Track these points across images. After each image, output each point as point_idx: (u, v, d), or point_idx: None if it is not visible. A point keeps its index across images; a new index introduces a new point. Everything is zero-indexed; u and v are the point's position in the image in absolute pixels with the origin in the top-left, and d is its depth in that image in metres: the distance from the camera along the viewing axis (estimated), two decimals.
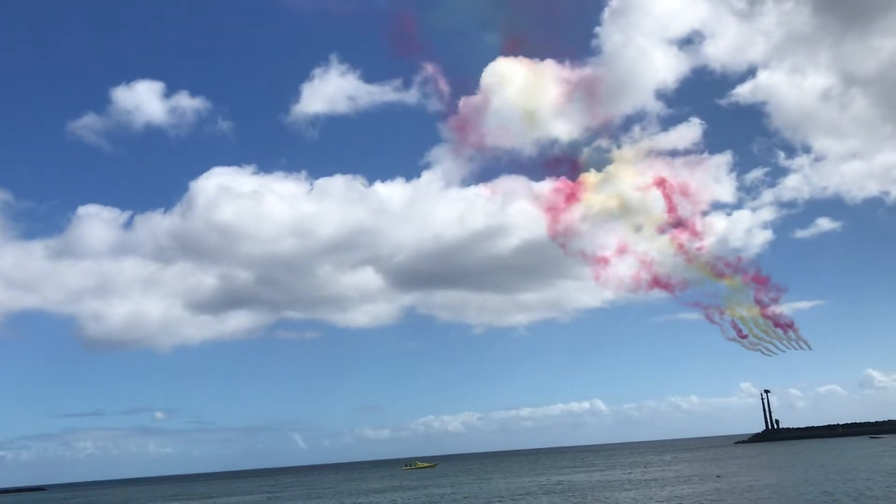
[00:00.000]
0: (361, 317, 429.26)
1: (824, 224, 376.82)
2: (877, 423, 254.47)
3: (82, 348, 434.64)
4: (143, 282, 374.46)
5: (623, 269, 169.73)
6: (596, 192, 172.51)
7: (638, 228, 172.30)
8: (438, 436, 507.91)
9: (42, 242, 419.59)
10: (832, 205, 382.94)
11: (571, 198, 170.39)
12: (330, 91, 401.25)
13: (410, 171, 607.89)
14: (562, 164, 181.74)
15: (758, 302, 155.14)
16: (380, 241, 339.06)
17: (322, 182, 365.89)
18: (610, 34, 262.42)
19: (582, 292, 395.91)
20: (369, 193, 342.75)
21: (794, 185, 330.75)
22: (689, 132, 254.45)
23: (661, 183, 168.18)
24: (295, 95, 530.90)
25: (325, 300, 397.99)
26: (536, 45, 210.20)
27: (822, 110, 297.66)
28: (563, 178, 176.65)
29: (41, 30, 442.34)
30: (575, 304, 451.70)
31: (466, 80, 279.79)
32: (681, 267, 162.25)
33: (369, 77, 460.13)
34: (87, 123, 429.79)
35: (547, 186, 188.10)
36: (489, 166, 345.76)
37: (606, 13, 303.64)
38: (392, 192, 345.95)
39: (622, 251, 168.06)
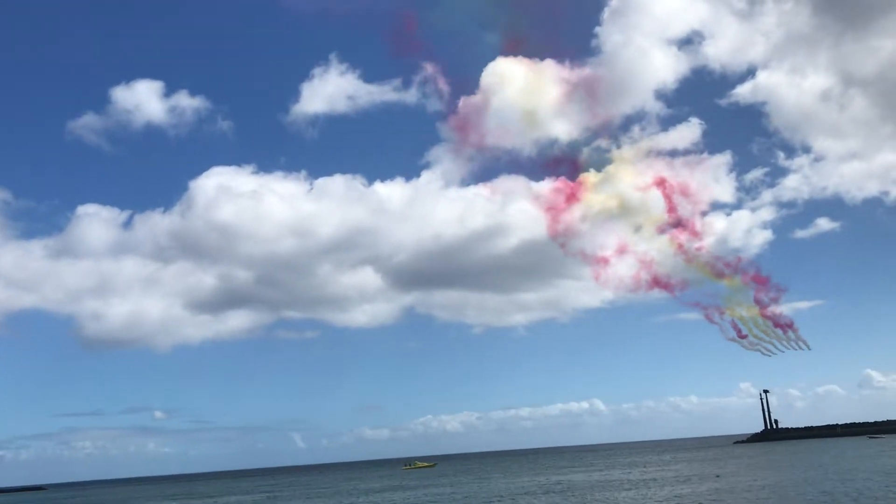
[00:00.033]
0: (361, 317, 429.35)
1: (824, 224, 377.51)
2: (876, 423, 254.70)
3: (81, 348, 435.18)
4: (142, 281, 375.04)
5: (623, 269, 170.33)
6: (595, 192, 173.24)
7: (637, 228, 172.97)
8: (438, 435, 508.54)
9: (41, 242, 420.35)
10: (832, 205, 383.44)
11: (571, 198, 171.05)
12: (329, 91, 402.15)
13: (410, 170, 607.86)
14: (561, 164, 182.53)
15: (757, 302, 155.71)
16: (379, 240, 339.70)
17: (322, 182, 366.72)
18: (609, 34, 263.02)
19: (581, 292, 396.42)
20: (369, 193, 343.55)
21: (794, 185, 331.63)
22: (688, 132, 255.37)
23: (661, 183, 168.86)
24: (294, 95, 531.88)
25: (324, 300, 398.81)
26: (536, 45, 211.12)
27: (821, 110, 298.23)
28: (562, 178, 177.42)
29: (41, 29, 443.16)
30: (574, 304, 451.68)
31: (466, 79, 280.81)
32: (680, 267, 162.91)
33: (369, 77, 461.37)
34: (87, 123, 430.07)
35: (547, 186, 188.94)
36: (489, 166, 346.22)
37: (606, 13, 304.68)
38: (392, 191, 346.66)
39: (622, 251, 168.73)
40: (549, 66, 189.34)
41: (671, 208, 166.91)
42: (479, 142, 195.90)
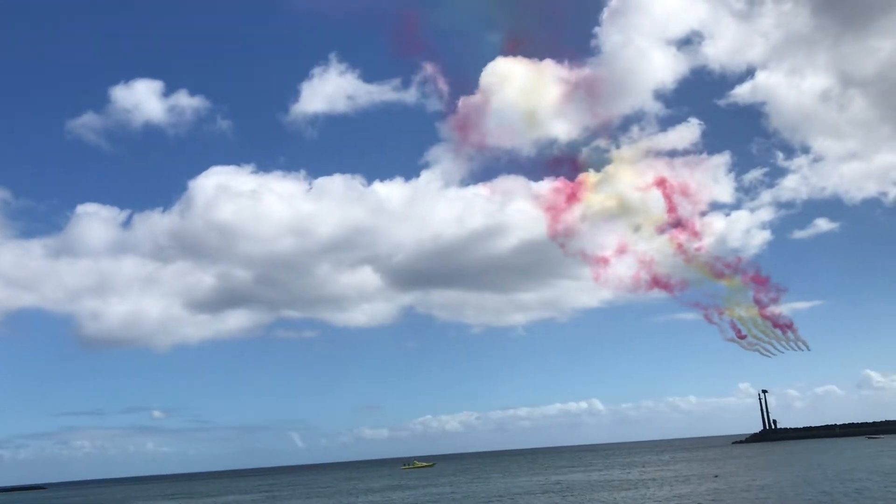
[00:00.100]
0: (360, 316, 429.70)
1: (823, 224, 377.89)
2: (874, 423, 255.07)
3: (81, 347, 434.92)
4: (141, 281, 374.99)
5: (622, 269, 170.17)
6: (595, 191, 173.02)
7: (637, 228, 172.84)
8: (436, 435, 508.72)
9: (41, 241, 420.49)
10: (831, 205, 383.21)
11: (571, 198, 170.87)
12: (329, 90, 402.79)
13: (409, 170, 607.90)
14: (561, 163, 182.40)
15: (757, 302, 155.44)
16: (378, 240, 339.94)
17: (321, 181, 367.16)
18: (609, 34, 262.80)
19: (580, 292, 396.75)
20: (368, 193, 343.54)
21: (793, 185, 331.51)
22: (687, 132, 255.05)
23: (661, 183, 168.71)
24: (294, 95, 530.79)
25: (323, 299, 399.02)
26: (536, 44, 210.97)
27: (820, 111, 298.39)
28: (562, 177, 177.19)
29: (41, 29, 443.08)
30: (573, 304, 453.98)
31: (466, 79, 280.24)
32: (680, 267, 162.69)
33: (368, 76, 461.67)
34: (86, 122, 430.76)
35: (546, 186, 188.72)
36: (488, 166, 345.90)
37: (605, 13, 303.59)
38: (391, 191, 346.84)
39: (621, 251, 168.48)
40: (549, 66, 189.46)
41: (671, 208, 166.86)
42: (478, 142, 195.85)
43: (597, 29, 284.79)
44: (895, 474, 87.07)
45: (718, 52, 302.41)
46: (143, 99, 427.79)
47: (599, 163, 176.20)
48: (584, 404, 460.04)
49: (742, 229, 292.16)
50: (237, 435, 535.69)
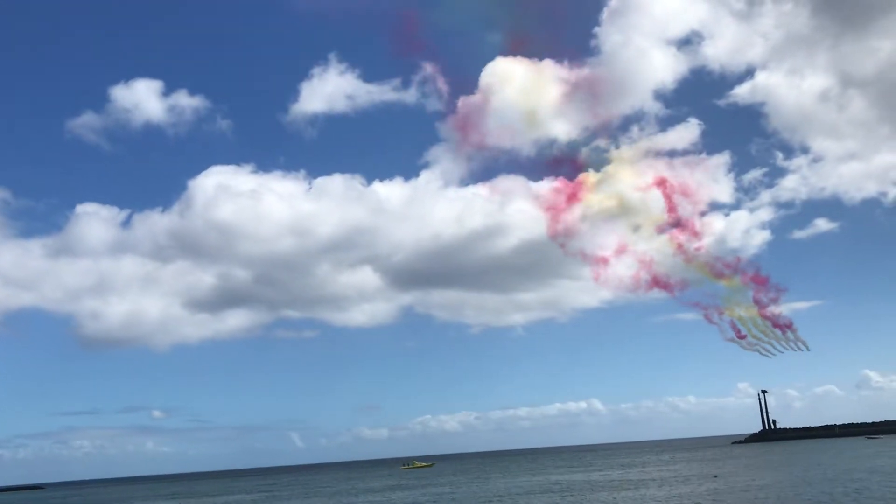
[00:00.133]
0: (359, 316, 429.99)
1: (822, 225, 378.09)
2: (873, 423, 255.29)
3: (80, 347, 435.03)
4: (141, 280, 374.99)
5: (622, 269, 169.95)
6: (595, 191, 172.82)
7: (636, 228, 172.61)
8: (436, 435, 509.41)
9: (40, 241, 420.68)
10: (830, 205, 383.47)
11: (570, 198, 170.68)
12: (329, 90, 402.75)
13: (409, 170, 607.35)
14: (560, 163, 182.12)
15: (756, 302, 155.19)
16: (378, 240, 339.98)
17: (321, 181, 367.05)
18: (609, 34, 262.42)
19: (580, 292, 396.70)
20: (368, 193, 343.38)
21: (792, 185, 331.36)
22: (687, 132, 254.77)
23: (661, 183, 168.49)
24: (294, 94, 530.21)
25: (323, 299, 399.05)
26: (536, 44, 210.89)
27: (820, 111, 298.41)
28: (561, 177, 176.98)
29: (40, 29, 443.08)
30: (573, 304, 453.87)
31: (466, 79, 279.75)
32: (680, 267, 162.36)
33: (368, 76, 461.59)
34: (86, 122, 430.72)
35: (546, 186, 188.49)
36: (488, 166, 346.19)
37: (605, 13, 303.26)
38: (391, 191, 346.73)
39: (621, 251, 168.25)
40: (549, 66, 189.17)
41: (671, 208, 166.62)
42: (478, 142, 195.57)
43: (597, 29, 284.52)
44: (894, 474, 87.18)
45: (718, 52, 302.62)
46: (142, 98, 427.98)
47: (599, 163, 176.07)
48: (583, 404, 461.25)
49: (741, 229, 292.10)
50: (237, 435, 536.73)
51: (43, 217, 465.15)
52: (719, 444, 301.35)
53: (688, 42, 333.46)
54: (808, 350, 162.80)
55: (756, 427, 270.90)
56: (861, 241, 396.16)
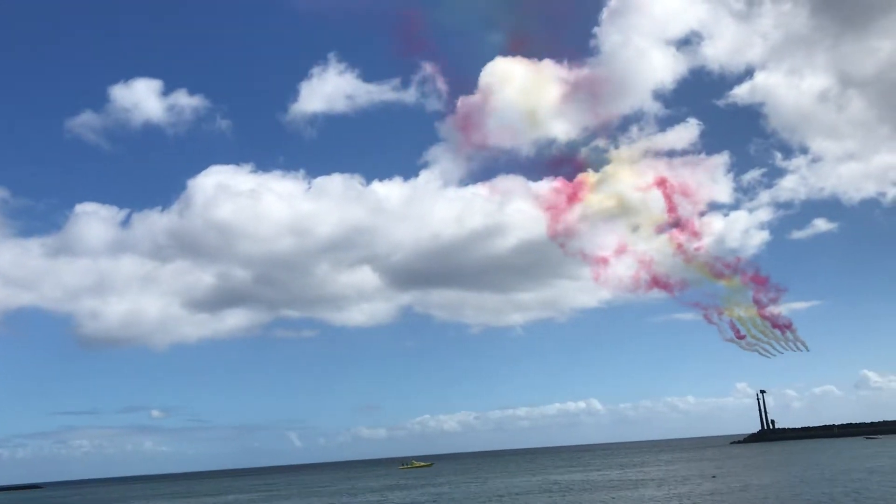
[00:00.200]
0: (359, 316, 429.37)
1: (821, 225, 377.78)
2: (872, 423, 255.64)
3: (79, 346, 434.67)
4: (140, 280, 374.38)
5: (622, 269, 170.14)
6: (594, 191, 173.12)
7: (636, 228, 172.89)
8: (435, 435, 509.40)
9: (39, 240, 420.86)
10: (829, 206, 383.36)
11: (570, 198, 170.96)
12: (328, 90, 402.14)
13: (408, 170, 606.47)
14: (560, 163, 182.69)
15: (756, 302, 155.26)
16: (377, 240, 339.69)
17: (320, 181, 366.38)
18: (608, 34, 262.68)
19: (579, 292, 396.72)
20: (367, 192, 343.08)
21: (791, 185, 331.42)
22: (686, 133, 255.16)
23: (661, 183, 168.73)
24: (293, 94, 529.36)
25: (322, 299, 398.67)
26: (536, 44, 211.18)
27: (819, 111, 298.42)
28: (561, 177, 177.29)
29: (40, 28, 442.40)
30: (572, 304, 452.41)
31: (465, 79, 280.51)
32: (679, 267, 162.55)
33: (368, 76, 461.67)
34: (85, 121, 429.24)
35: (545, 186, 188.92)
36: (487, 166, 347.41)
37: (605, 13, 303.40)
38: (390, 191, 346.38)
39: (621, 251, 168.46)
40: (548, 66, 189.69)
41: (670, 208, 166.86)
42: (478, 141, 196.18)
43: (596, 29, 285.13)
44: (893, 474, 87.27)
45: (717, 52, 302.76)
46: (142, 98, 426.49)
47: (599, 163, 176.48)
48: (582, 404, 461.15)
49: (741, 229, 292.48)
50: (236, 434, 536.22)
51: (42, 216, 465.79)
52: (718, 444, 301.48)
53: (687, 42, 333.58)
54: (808, 350, 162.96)
55: (755, 427, 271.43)
56: (860, 242, 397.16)
